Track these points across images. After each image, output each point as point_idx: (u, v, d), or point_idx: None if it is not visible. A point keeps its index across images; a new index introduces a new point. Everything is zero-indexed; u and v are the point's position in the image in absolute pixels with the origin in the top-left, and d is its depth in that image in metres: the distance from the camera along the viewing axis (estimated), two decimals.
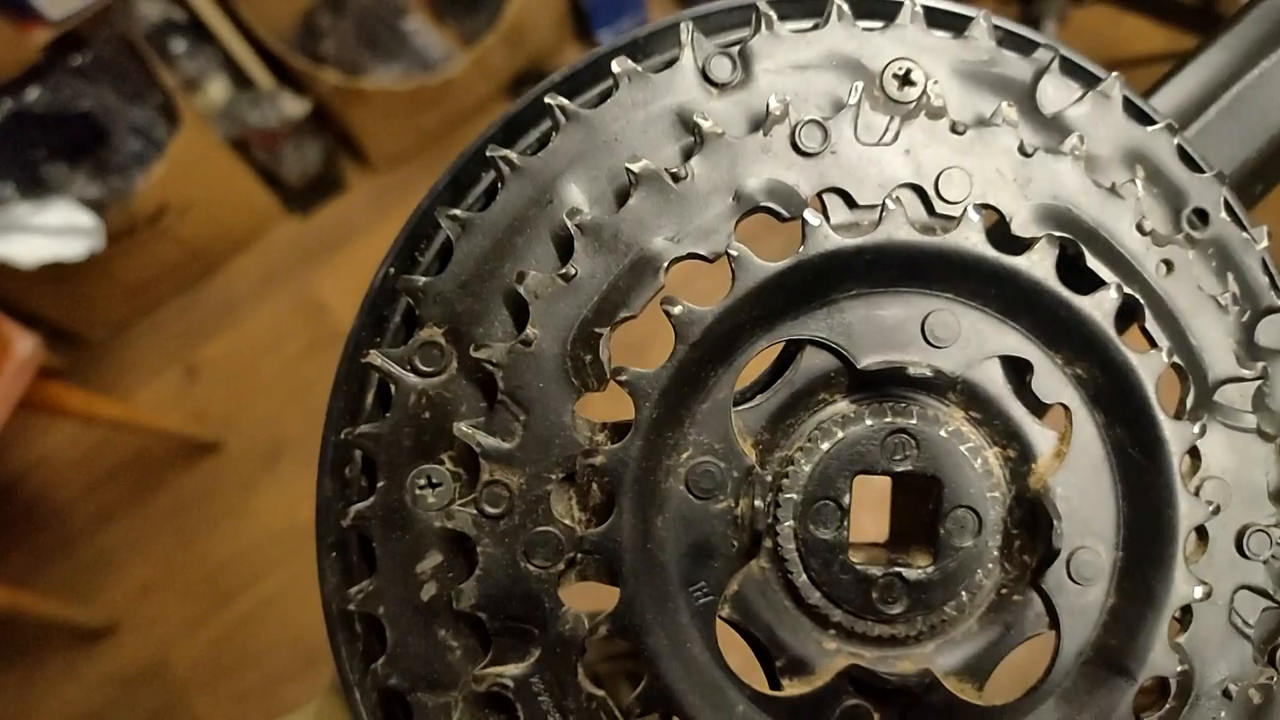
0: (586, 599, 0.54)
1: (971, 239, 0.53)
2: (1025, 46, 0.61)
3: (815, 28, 0.58)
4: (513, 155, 0.56)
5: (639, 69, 0.57)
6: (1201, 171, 0.60)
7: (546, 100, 0.56)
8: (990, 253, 0.53)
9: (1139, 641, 0.53)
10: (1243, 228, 0.60)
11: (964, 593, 0.54)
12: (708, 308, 0.51)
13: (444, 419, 0.54)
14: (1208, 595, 0.54)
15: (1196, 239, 0.59)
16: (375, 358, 0.55)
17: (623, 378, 0.51)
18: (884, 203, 0.52)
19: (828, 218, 0.53)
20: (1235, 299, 0.59)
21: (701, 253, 0.54)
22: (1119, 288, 0.53)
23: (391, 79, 3.34)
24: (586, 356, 0.53)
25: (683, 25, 0.58)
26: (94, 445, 3.21)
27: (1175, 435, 0.53)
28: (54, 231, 2.67)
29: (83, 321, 3.29)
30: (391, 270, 0.59)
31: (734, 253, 0.52)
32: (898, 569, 0.54)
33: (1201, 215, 0.60)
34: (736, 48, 0.57)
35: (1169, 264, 0.57)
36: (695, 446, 0.53)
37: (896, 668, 0.54)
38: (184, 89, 3.15)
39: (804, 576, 0.54)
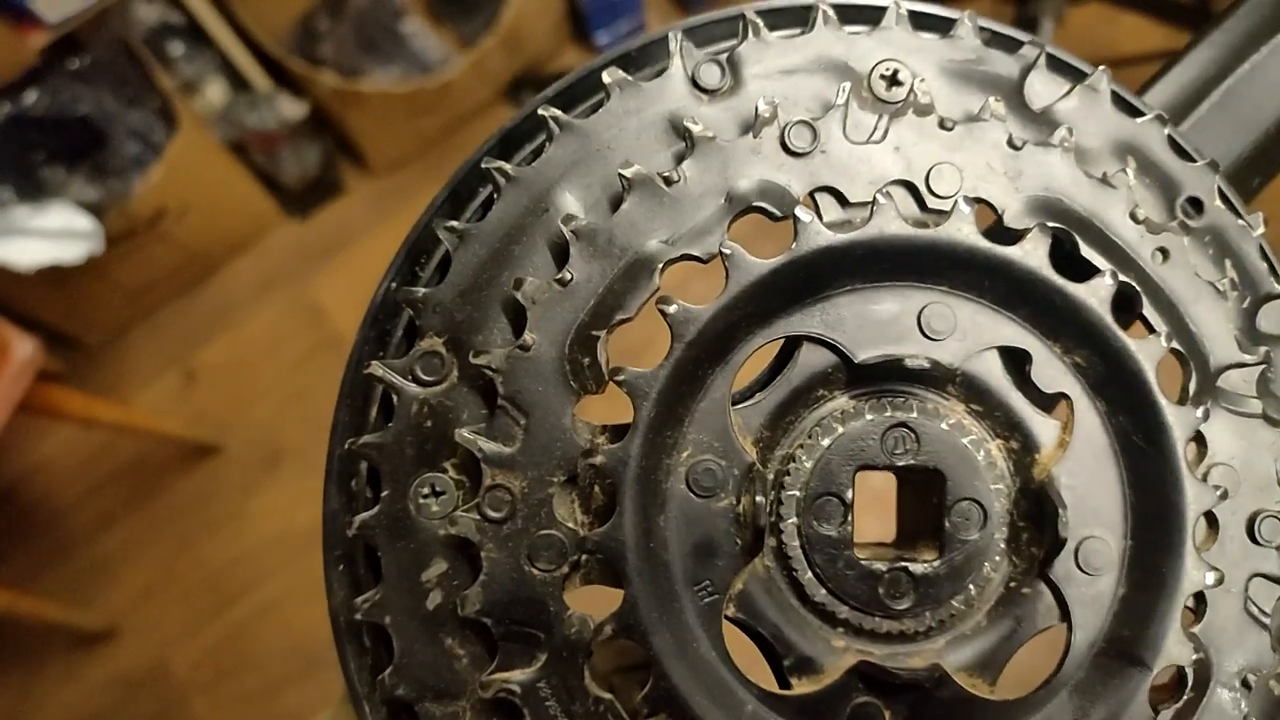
0: (592, 606, 0.54)
1: (964, 230, 0.53)
2: (1012, 46, 0.62)
3: (802, 33, 0.59)
4: (508, 166, 0.57)
5: (630, 78, 0.58)
6: (1193, 161, 0.60)
7: (540, 112, 0.58)
8: (983, 243, 0.53)
9: (1152, 630, 0.52)
10: (1238, 215, 0.60)
11: (971, 586, 0.54)
12: (703, 306, 0.52)
13: (446, 427, 0.55)
14: (1220, 581, 0.53)
15: (1192, 227, 0.59)
16: (377, 368, 0.55)
17: (621, 377, 0.51)
18: (875, 198, 0.53)
19: (820, 216, 0.54)
20: (1234, 285, 0.59)
21: (695, 254, 0.54)
22: (1114, 274, 0.53)
23: (389, 81, 3.35)
24: (585, 359, 0.53)
25: (671, 35, 0.59)
26: (93, 449, 3.22)
27: (1178, 420, 0.53)
28: (52, 234, 2.68)
29: (81, 325, 3.30)
30: (393, 285, 0.60)
31: (727, 251, 0.52)
32: (904, 563, 0.53)
33: (1195, 204, 0.60)
34: (725, 55, 0.58)
35: (1164, 251, 0.57)
36: (695, 445, 0.53)
37: (906, 664, 0.53)
38: (182, 92, 3.16)
39: (809, 573, 0.53)
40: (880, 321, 0.54)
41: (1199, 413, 0.53)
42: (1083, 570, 0.53)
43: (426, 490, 0.54)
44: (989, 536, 0.54)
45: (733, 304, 0.52)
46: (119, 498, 3.18)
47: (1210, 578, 0.52)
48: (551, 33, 3.64)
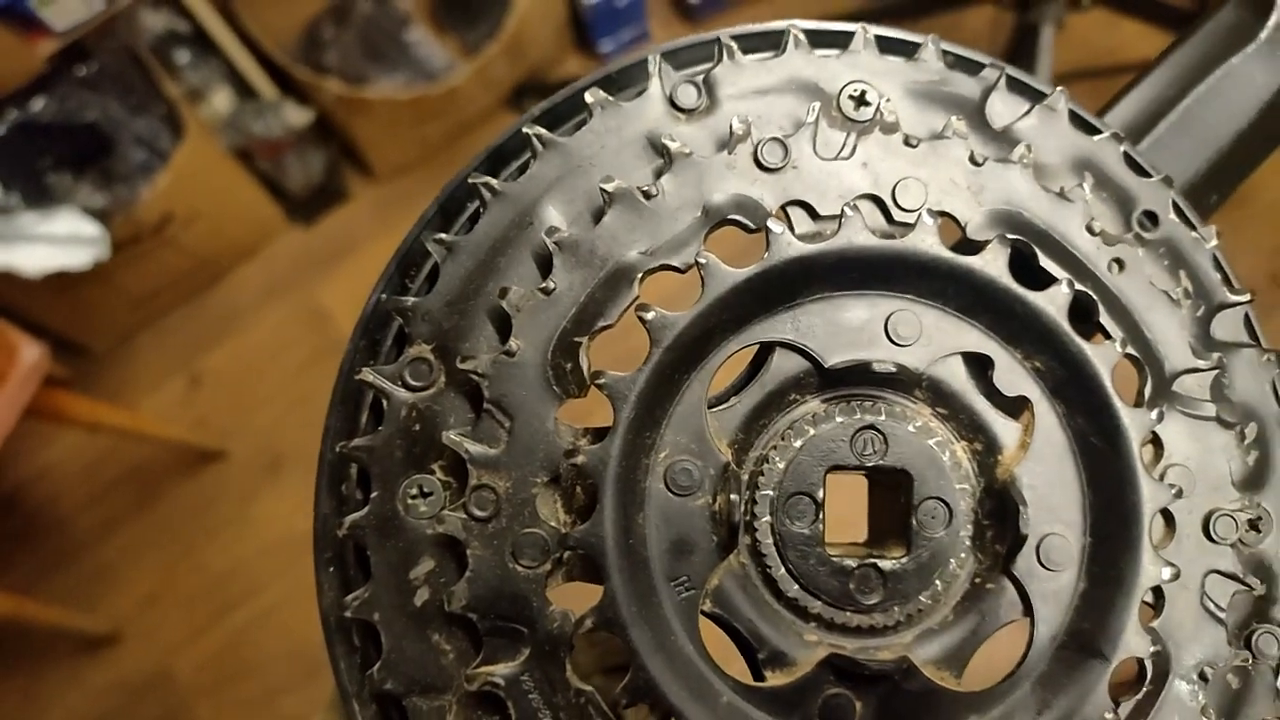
0: (574, 604, 0.56)
1: (927, 241, 0.56)
2: (974, 69, 0.65)
3: (774, 56, 0.62)
4: (494, 182, 0.59)
5: (611, 99, 0.60)
6: (1148, 176, 0.63)
7: (524, 130, 0.60)
8: (945, 253, 0.55)
9: (1111, 624, 0.54)
10: (1192, 228, 0.63)
11: (938, 582, 0.56)
12: (680, 313, 0.54)
13: (434, 430, 0.57)
14: (1176, 577, 0.55)
15: (1147, 239, 0.62)
16: (368, 374, 0.57)
17: (601, 381, 0.54)
18: (843, 211, 0.56)
19: (791, 228, 0.56)
20: (1188, 294, 0.62)
21: (673, 264, 0.57)
22: (1070, 283, 0.56)
23: (394, 89, 3.40)
24: (567, 365, 0.55)
25: (650, 57, 0.62)
26: (98, 454, 3.25)
27: (1133, 422, 0.55)
28: (59, 241, 2.72)
29: (87, 331, 3.33)
30: (383, 296, 0.63)
31: (703, 261, 0.55)
32: (873, 560, 0.56)
33: (1151, 217, 0.63)
34: (701, 76, 0.61)
35: (1120, 262, 0.59)
36: (672, 446, 0.56)
37: (876, 656, 0.55)
38: (188, 99, 3.21)
39: (782, 569, 0.56)
40: (849, 328, 0.57)
41: (1154, 415, 0.56)
42: (1044, 566, 0.56)
43: (415, 491, 0.56)
44: (954, 534, 0.56)
45: (708, 311, 0.55)
46: (123, 503, 3.21)
47: (1166, 573, 0.55)
48: (554, 40, 3.69)
